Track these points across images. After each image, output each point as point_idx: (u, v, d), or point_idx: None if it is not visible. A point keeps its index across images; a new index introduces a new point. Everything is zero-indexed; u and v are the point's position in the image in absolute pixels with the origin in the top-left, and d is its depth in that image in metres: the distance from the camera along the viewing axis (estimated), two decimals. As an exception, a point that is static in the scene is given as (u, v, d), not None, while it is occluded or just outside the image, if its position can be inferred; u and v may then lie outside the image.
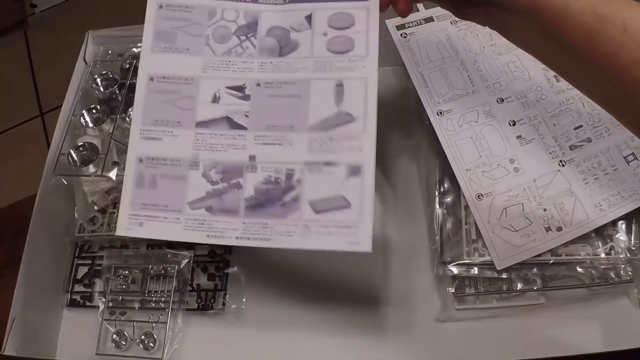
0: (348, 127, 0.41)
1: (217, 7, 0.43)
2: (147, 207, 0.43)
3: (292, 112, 0.42)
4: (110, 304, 0.58)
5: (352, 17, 0.42)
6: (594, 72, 0.36)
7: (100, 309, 0.58)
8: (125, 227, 0.43)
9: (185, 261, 0.58)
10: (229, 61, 0.43)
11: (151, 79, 0.44)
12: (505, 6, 0.38)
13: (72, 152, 0.61)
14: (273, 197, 0.41)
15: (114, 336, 0.57)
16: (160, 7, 0.44)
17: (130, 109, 0.63)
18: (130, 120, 0.62)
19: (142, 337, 0.57)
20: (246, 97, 0.42)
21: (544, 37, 0.38)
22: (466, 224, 0.56)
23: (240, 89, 0.42)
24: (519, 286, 0.54)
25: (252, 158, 0.42)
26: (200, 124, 0.43)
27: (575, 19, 0.35)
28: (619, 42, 0.34)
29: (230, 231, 0.42)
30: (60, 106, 0.65)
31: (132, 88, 0.65)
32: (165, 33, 0.44)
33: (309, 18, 0.43)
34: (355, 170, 0.41)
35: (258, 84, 0.42)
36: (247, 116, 0.42)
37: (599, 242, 0.53)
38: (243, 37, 0.43)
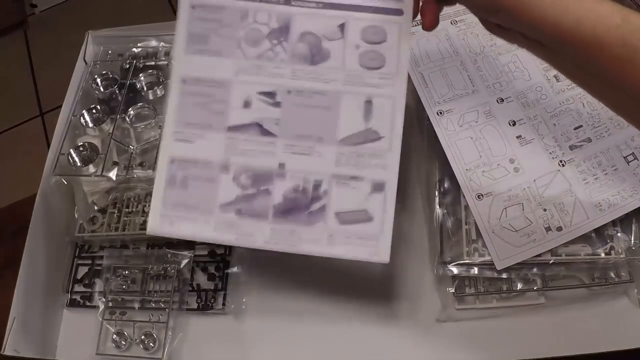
0: (375, 144, 0.43)
1: (249, 9, 0.43)
2: (178, 208, 0.43)
3: (322, 124, 0.43)
4: (110, 304, 0.58)
5: (384, 33, 0.42)
6: (625, 96, 0.37)
7: (100, 309, 0.58)
8: (157, 226, 0.44)
9: (185, 261, 0.59)
10: (261, 65, 0.43)
11: (184, 81, 0.44)
12: (534, 37, 0.39)
13: (72, 152, 0.61)
14: (300, 205, 0.43)
15: (114, 336, 0.57)
16: (193, 7, 0.44)
17: (130, 109, 0.63)
18: (131, 119, 0.62)
19: (142, 337, 0.57)
20: (277, 104, 0.43)
21: (574, 64, 0.39)
22: (466, 224, 0.56)
23: (271, 95, 0.43)
24: (519, 286, 0.54)
25: (282, 166, 0.43)
26: (231, 129, 0.43)
27: (605, 50, 0.36)
28: None
29: (258, 235, 0.43)
30: (60, 106, 0.65)
31: (132, 88, 0.65)
32: (198, 35, 0.44)
33: (341, 27, 0.43)
34: (379, 187, 0.42)
35: (289, 92, 0.43)
36: (277, 124, 0.43)
37: (599, 242, 0.53)
38: (275, 41, 0.43)
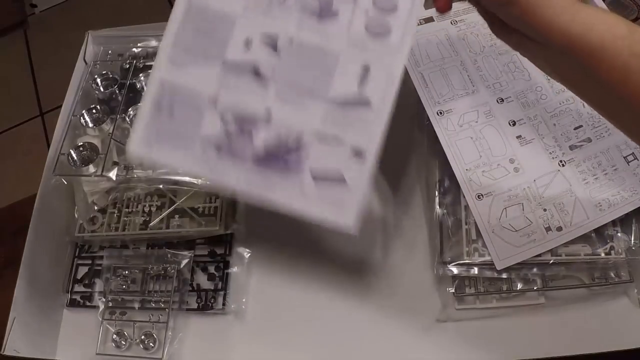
0: (363, 111, 0.42)
1: None
2: (161, 132, 0.43)
3: (316, 79, 0.42)
4: (110, 304, 0.58)
5: (396, 5, 0.42)
6: (627, 107, 0.38)
7: (100, 309, 0.58)
8: (136, 145, 0.43)
9: (185, 261, 0.59)
10: (270, 9, 0.42)
11: (190, 4, 0.43)
12: (539, 40, 0.39)
13: (72, 152, 0.61)
14: (279, 154, 0.42)
15: (114, 336, 0.57)
16: None
17: (130, 109, 0.63)
18: (131, 119, 0.62)
19: (142, 337, 0.57)
20: (277, 50, 0.42)
21: (578, 72, 0.39)
22: (466, 224, 0.56)
23: (273, 40, 0.42)
24: (519, 286, 0.54)
25: (268, 112, 0.42)
26: (227, 64, 0.42)
27: (612, 58, 0.36)
28: None
29: (233, 175, 0.42)
30: (60, 106, 0.66)
31: (132, 88, 0.65)
32: None
33: None
34: (358, 153, 0.42)
35: (291, 41, 0.42)
36: (272, 69, 0.42)
37: (599, 242, 0.53)
38: None
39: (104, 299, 0.58)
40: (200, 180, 0.58)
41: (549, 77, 0.60)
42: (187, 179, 0.58)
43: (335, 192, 0.42)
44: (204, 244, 0.61)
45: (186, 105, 0.43)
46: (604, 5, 0.63)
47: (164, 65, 0.43)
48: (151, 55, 0.69)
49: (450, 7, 0.42)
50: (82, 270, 0.62)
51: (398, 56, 0.42)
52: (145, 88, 0.44)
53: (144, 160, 0.44)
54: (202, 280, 0.60)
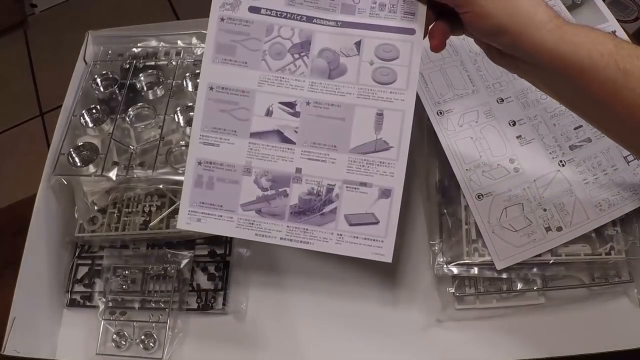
0: (384, 154, 0.46)
1: (275, 24, 0.47)
2: (205, 206, 0.48)
3: (336, 133, 0.47)
4: (110, 304, 0.58)
5: (397, 50, 0.46)
6: (618, 120, 0.39)
7: (100, 309, 0.58)
8: (185, 221, 0.48)
9: (185, 261, 0.59)
10: (283, 78, 0.47)
11: (211, 88, 0.47)
12: (532, 63, 0.41)
13: (72, 152, 0.61)
14: (314, 207, 0.47)
15: (114, 336, 0.57)
16: (222, 20, 0.47)
17: (130, 109, 0.63)
18: (131, 119, 0.62)
19: (142, 337, 0.57)
20: (296, 114, 0.47)
21: (570, 89, 0.41)
22: (466, 224, 0.56)
23: (291, 105, 0.47)
24: (519, 286, 0.54)
25: (299, 170, 0.47)
26: (254, 135, 0.47)
27: (600, 74, 0.38)
28: None
29: (275, 232, 0.47)
30: (60, 106, 0.65)
31: (132, 88, 0.65)
32: (226, 45, 0.47)
33: (358, 45, 0.46)
34: (386, 193, 0.46)
35: (308, 103, 0.47)
36: (296, 132, 0.47)
37: (599, 242, 0.53)
38: (297, 56, 0.47)
39: (104, 299, 0.58)
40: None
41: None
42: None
43: (369, 232, 0.47)
44: (204, 244, 0.61)
45: (223, 178, 0.48)
46: (604, 6, 0.63)
47: (197, 146, 0.48)
48: (151, 55, 0.69)
49: (444, 46, 0.44)
50: (82, 270, 0.62)
51: (407, 97, 0.46)
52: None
53: (194, 230, 0.49)
54: (202, 280, 0.60)
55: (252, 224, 0.47)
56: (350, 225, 0.47)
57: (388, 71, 0.46)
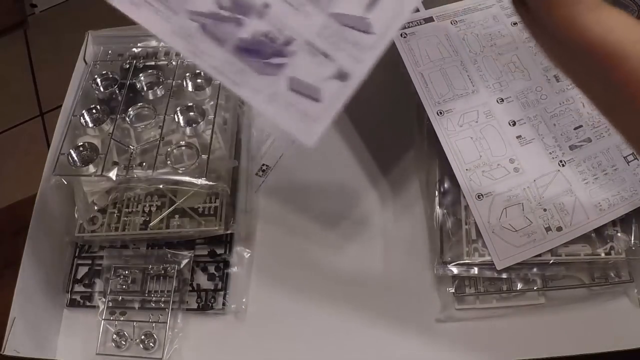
0: (362, 36, 0.40)
1: None
2: None
3: None
4: (110, 304, 0.58)
5: None
6: (636, 111, 0.37)
7: (100, 309, 0.58)
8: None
9: (185, 261, 0.59)
10: None
11: None
12: (556, 34, 0.38)
13: (72, 152, 0.61)
14: (262, 51, 0.41)
15: (114, 336, 0.57)
16: None
17: (130, 109, 0.63)
18: (131, 119, 0.62)
19: (142, 337, 0.57)
20: None
21: (589, 72, 0.38)
22: (466, 224, 0.56)
23: None
24: (519, 286, 0.54)
25: (266, 5, 0.41)
26: None
27: (629, 62, 0.36)
28: None
29: (209, 57, 0.40)
30: (60, 106, 0.65)
31: (132, 88, 0.65)
32: None
33: None
34: (343, 75, 0.40)
35: None
36: None
37: (599, 242, 0.53)
38: None
39: (104, 299, 0.58)
40: (200, 181, 0.58)
41: (549, 77, 0.60)
42: (187, 178, 0.58)
43: (306, 107, 0.40)
44: (204, 244, 0.61)
45: None
46: (604, 5, 0.62)
47: None
48: (151, 55, 0.69)
49: None
50: (82, 270, 0.62)
51: None
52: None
53: (126, 14, 0.41)
54: (202, 280, 0.60)
55: (190, 36, 0.41)
56: (290, 89, 0.40)
57: None
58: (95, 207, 0.61)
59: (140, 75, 0.66)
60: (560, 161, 0.56)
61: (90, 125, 0.63)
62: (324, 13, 0.41)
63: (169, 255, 0.59)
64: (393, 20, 0.40)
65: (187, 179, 0.58)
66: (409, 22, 0.64)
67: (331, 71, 0.40)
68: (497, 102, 0.60)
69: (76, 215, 0.61)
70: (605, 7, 0.37)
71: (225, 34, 0.40)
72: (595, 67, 0.37)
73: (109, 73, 0.67)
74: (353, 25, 0.41)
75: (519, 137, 0.58)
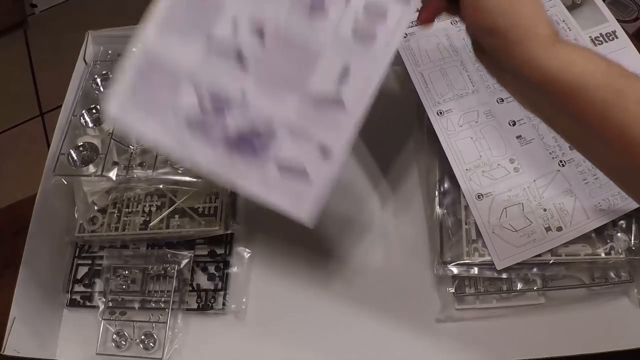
0: (337, 111, 0.42)
1: None
2: (137, 97, 0.42)
3: (296, 73, 0.42)
4: (110, 304, 0.58)
5: (386, 13, 0.42)
6: (605, 141, 0.38)
7: (100, 309, 0.58)
8: (113, 107, 0.42)
9: (185, 261, 0.59)
10: None
11: None
12: (517, 74, 0.39)
13: (72, 152, 0.61)
14: (248, 140, 0.43)
15: (114, 336, 0.57)
16: None
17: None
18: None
19: (142, 337, 0.57)
20: (262, 38, 0.42)
21: (553, 107, 0.39)
22: (466, 224, 0.56)
23: (260, 27, 0.42)
24: (519, 286, 0.54)
25: (245, 97, 0.42)
26: (211, 43, 0.42)
27: (591, 93, 0.36)
28: (633, 113, 0.36)
29: (201, 154, 0.43)
30: (60, 106, 0.65)
31: (132, 88, 0.65)
32: None
33: None
34: (325, 151, 0.42)
35: (278, 31, 0.42)
36: (255, 57, 0.42)
37: (599, 242, 0.53)
38: None
39: (104, 299, 0.58)
40: (200, 180, 0.58)
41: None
42: (187, 178, 0.58)
43: (296, 185, 0.42)
44: (204, 244, 0.61)
45: (165, 74, 0.42)
46: (604, 6, 0.63)
47: (150, 32, 0.42)
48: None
49: (432, 22, 0.42)
50: (82, 270, 0.62)
51: (379, 64, 0.42)
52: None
53: (119, 123, 0.43)
54: (202, 280, 0.60)
55: (180, 139, 0.42)
56: (280, 170, 0.43)
57: (369, 30, 0.42)
58: (95, 207, 0.61)
59: (140, 75, 0.66)
60: (560, 161, 0.56)
61: (90, 125, 0.63)
62: (298, 97, 0.42)
63: (169, 255, 0.59)
64: (364, 93, 0.42)
65: (187, 178, 0.58)
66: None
67: (314, 149, 0.42)
68: (497, 102, 0.60)
69: (76, 215, 0.61)
70: (562, 42, 0.38)
71: (212, 131, 0.42)
72: (558, 101, 0.38)
73: (109, 73, 0.67)
74: (327, 104, 0.42)
75: (519, 137, 0.58)
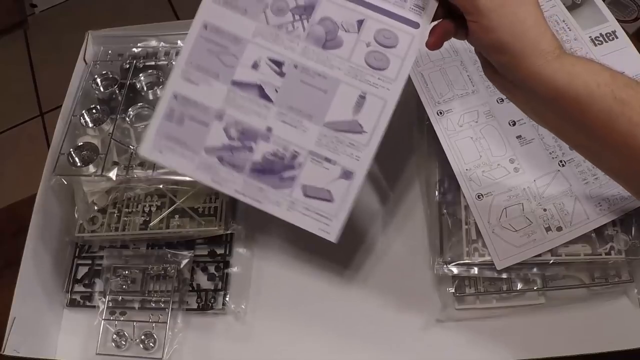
0: (355, 136, 0.46)
1: None
2: (170, 140, 0.47)
3: (315, 104, 0.46)
4: (110, 304, 0.58)
5: (396, 39, 0.45)
6: (609, 150, 0.40)
7: (100, 309, 0.58)
8: (148, 150, 0.47)
9: (185, 261, 0.59)
10: (278, 35, 0.46)
11: (205, 26, 0.47)
12: (525, 89, 0.40)
13: (72, 152, 0.61)
14: (274, 169, 0.47)
15: (114, 336, 0.57)
16: None
17: (130, 109, 0.63)
18: (131, 119, 0.62)
19: (142, 337, 0.57)
20: (282, 74, 0.46)
21: (561, 118, 0.41)
22: (466, 224, 0.56)
23: (279, 64, 0.46)
24: (519, 286, 0.54)
25: (269, 130, 0.46)
26: (235, 83, 0.47)
27: (596, 104, 0.38)
28: (638, 122, 0.37)
29: (231, 183, 0.47)
30: (60, 106, 0.65)
31: (132, 88, 0.65)
32: None
33: (360, 23, 0.46)
34: (347, 175, 0.46)
35: (296, 66, 0.46)
36: (276, 91, 0.46)
37: (599, 242, 0.53)
38: (297, 17, 0.46)
39: (104, 299, 0.58)
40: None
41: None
42: (187, 178, 0.58)
43: (321, 208, 0.46)
44: (204, 244, 0.61)
45: (195, 117, 0.47)
46: (604, 6, 0.63)
47: (178, 79, 0.47)
48: (151, 55, 0.69)
49: (440, 46, 0.44)
50: (82, 270, 0.62)
51: (393, 88, 0.45)
52: (159, 99, 0.49)
53: (153, 161, 0.48)
54: (202, 280, 0.60)
55: (211, 169, 0.47)
56: (305, 195, 0.46)
57: (382, 57, 0.45)
58: (95, 207, 0.61)
59: (140, 75, 0.66)
60: (560, 161, 0.56)
61: (90, 125, 0.63)
62: (318, 125, 0.46)
63: (169, 255, 0.59)
64: (379, 117, 0.46)
65: (187, 179, 0.58)
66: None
67: (337, 173, 0.46)
68: (497, 102, 0.60)
69: (76, 215, 0.61)
70: (568, 55, 0.39)
71: (240, 161, 0.47)
72: (564, 112, 0.40)
73: (109, 73, 0.67)
74: (346, 129, 0.46)
75: (519, 137, 0.58)
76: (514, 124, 0.58)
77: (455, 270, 0.54)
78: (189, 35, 0.47)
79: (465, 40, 0.43)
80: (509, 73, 0.41)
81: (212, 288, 0.59)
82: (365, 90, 0.45)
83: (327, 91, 0.46)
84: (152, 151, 0.47)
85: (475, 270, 0.54)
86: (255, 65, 0.46)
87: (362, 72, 0.45)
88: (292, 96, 0.46)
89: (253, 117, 0.46)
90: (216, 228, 0.59)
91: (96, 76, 0.66)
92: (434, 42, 0.43)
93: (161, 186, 0.60)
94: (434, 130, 0.58)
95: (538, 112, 0.43)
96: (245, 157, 0.47)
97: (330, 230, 0.46)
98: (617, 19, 0.62)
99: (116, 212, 0.61)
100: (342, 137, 0.46)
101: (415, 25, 0.45)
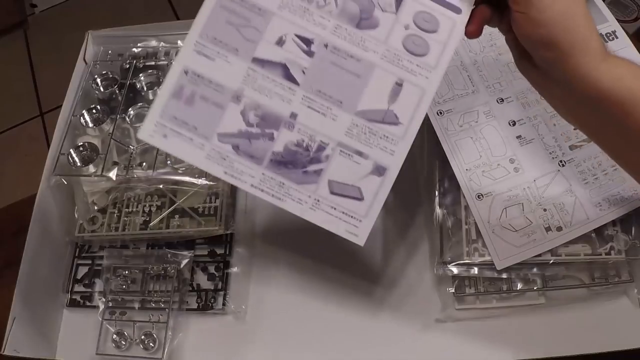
0: (390, 127, 0.41)
1: None
2: (177, 122, 0.41)
3: (346, 89, 0.41)
4: (110, 304, 0.58)
5: (437, 24, 0.41)
6: None
7: (100, 309, 0.58)
8: (149, 133, 0.41)
9: (185, 261, 0.59)
10: (308, 9, 0.41)
11: None
12: (566, 86, 0.39)
13: (72, 152, 0.61)
14: (298, 162, 0.41)
15: (114, 336, 0.57)
16: None
17: (130, 109, 0.63)
18: (131, 119, 0.62)
19: (142, 337, 0.57)
20: (310, 53, 0.41)
21: (601, 120, 0.39)
22: (466, 224, 0.56)
23: (307, 42, 0.41)
24: (519, 286, 0.54)
25: (293, 116, 0.41)
26: (256, 60, 0.41)
27: (639, 107, 0.37)
28: None
29: (247, 177, 0.41)
30: (60, 106, 0.65)
31: (132, 88, 0.65)
32: None
33: (398, 2, 0.41)
34: (380, 170, 0.41)
35: (326, 45, 0.41)
36: (303, 72, 0.41)
37: (599, 242, 0.53)
38: None
39: (104, 299, 0.58)
40: (200, 181, 0.58)
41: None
42: (187, 178, 0.58)
43: (350, 207, 0.41)
44: (204, 244, 0.61)
45: (208, 97, 0.41)
46: (604, 6, 0.63)
47: (189, 52, 0.41)
48: (151, 55, 0.69)
49: (480, 33, 0.41)
50: (82, 270, 0.62)
51: (433, 76, 0.41)
52: (165, 75, 0.42)
53: (155, 146, 0.42)
54: (202, 280, 0.60)
55: (225, 159, 0.41)
56: (332, 193, 0.41)
57: (421, 42, 0.41)
58: (95, 207, 0.61)
59: (140, 75, 0.66)
60: (560, 161, 0.56)
61: (90, 125, 0.63)
62: (349, 113, 0.41)
63: (169, 255, 0.59)
64: (417, 107, 0.41)
65: (187, 179, 0.58)
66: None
67: (368, 168, 0.41)
68: (497, 102, 0.60)
69: (76, 215, 0.61)
70: (612, 57, 0.38)
71: (259, 151, 0.41)
72: (607, 114, 0.38)
73: (109, 73, 0.67)
74: (380, 119, 0.41)
75: (519, 137, 0.58)
76: (514, 124, 0.58)
77: (455, 270, 0.54)
78: (205, 3, 0.41)
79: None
80: (553, 70, 0.39)
81: (212, 288, 0.59)
82: (402, 78, 0.41)
83: (360, 76, 0.41)
84: (154, 135, 0.41)
85: (475, 270, 0.54)
86: (280, 42, 0.41)
87: (399, 57, 0.41)
88: (320, 79, 0.41)
89: (276, 100, 0.41)
90: (216, 228, 0.59)
91: (96, 76, 0.66)
92: (474, 30, 0.41)
93: (161, 186, 0.60)
94: (434, 130, 0.58)
95: (574, 111, 0.41)
96: (265, 146, 0.41)
97: (359, 233, 0.41)
98: (617, 19, 0.62)
99: (116, 212, 0.61)
100: (376, 128, 0.41)
101: (457, 10, 0.41)
